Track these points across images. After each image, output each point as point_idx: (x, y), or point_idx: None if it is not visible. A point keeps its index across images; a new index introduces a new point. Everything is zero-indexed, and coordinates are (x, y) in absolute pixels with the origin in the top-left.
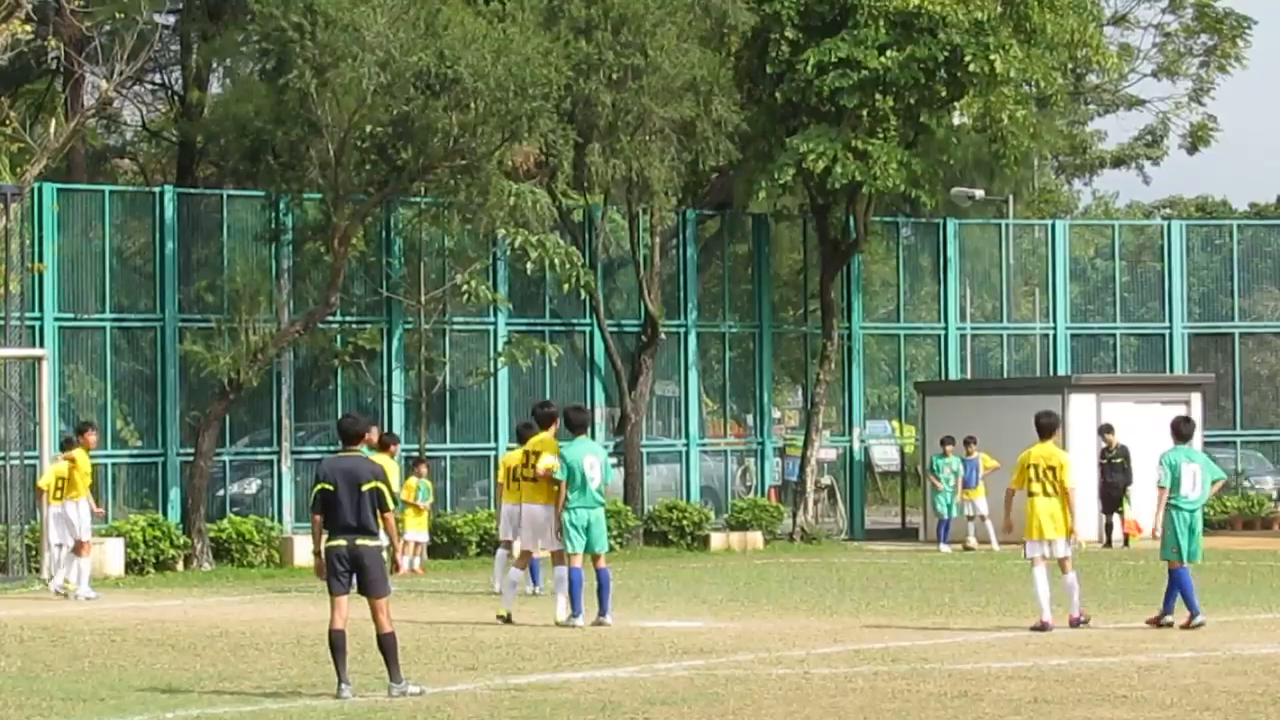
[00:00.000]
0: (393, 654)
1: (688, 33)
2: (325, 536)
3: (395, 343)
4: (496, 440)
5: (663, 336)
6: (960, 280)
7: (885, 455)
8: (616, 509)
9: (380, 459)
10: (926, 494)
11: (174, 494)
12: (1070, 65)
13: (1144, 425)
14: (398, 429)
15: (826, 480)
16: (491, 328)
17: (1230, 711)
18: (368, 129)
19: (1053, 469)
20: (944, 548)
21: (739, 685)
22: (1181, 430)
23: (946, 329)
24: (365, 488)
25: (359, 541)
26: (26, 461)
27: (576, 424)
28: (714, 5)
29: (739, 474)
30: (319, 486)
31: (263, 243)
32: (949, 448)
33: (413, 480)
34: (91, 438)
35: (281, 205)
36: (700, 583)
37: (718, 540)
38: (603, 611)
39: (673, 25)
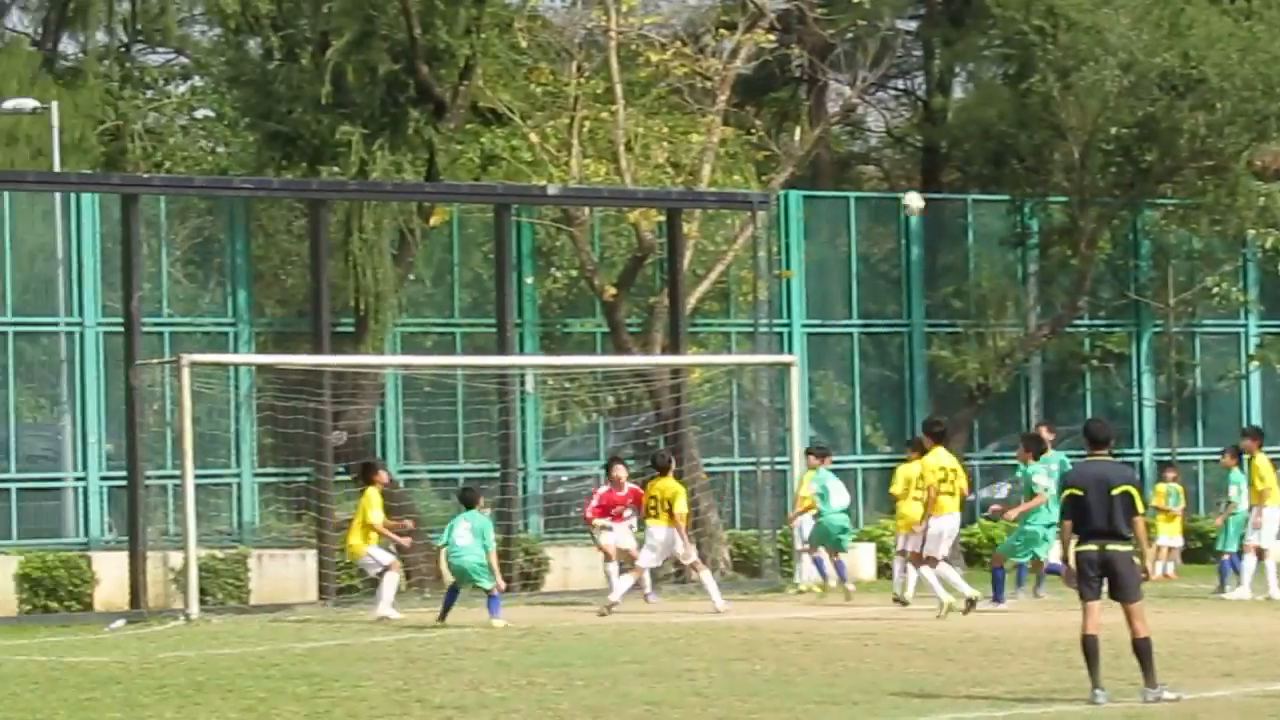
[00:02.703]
0: (1148, 659)
1: None
2: (1075, 542)
3: (1144, 346)
4: None
5: None
6: None
7: None
8: None
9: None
10: None
11: None
12: None
13: None
14: (1147, 433)
15: None
16: (1242, 330)
17: None
18: (1111, 131)
19: None
20: None
21: None
22: None
23: None
24: (1115, 492)
25: (1109, 547)
26: (777, 467)
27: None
28: None
29: None
30: (1068, 492)
31: (1008, 247)
32: None
33: (1162, 485)
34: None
35: (1026, 209)
36: None
37: None
38: None
39: None
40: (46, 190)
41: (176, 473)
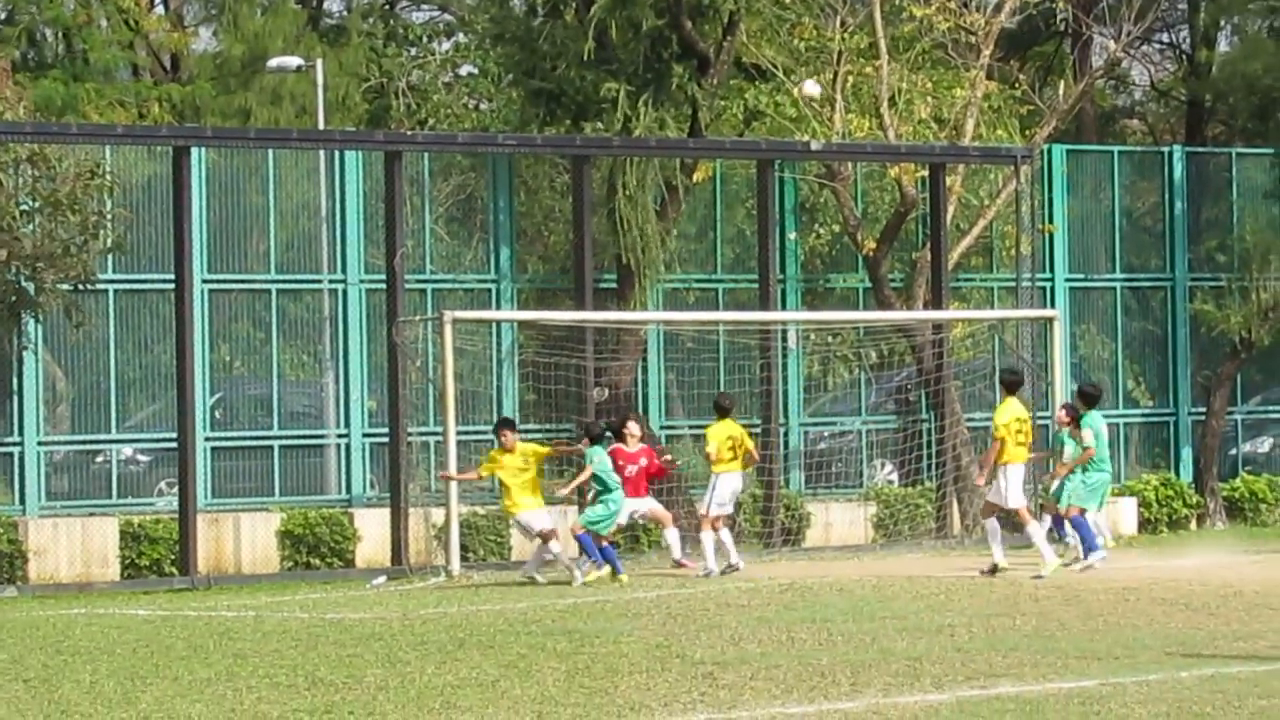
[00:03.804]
0: None
1: None
2: None
3: None
4: None
5: None
6: None
7: None
8: None
9: None
10: None
11: (1185, 453)
12: None
13: None
14: None
15: None
16: None
17: None
18: None
19: None
20: None
21: None
22: None
23: None
24: None
25: None
26: (1039, 422)
27: None
28: None
29: None
30: None
31: (1272, 200)
32: None
33: None
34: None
35: None
36: None
37: None
38: None
39: None
40: (311, 148)
41: (439, 429)
